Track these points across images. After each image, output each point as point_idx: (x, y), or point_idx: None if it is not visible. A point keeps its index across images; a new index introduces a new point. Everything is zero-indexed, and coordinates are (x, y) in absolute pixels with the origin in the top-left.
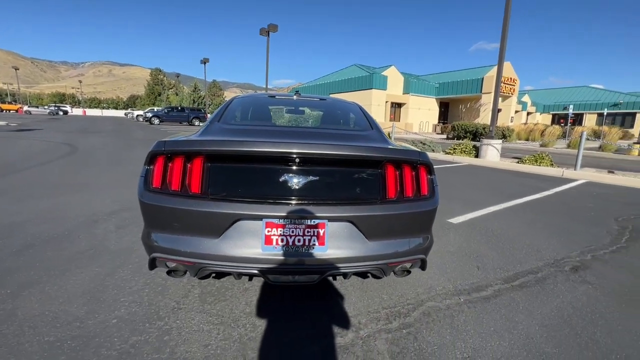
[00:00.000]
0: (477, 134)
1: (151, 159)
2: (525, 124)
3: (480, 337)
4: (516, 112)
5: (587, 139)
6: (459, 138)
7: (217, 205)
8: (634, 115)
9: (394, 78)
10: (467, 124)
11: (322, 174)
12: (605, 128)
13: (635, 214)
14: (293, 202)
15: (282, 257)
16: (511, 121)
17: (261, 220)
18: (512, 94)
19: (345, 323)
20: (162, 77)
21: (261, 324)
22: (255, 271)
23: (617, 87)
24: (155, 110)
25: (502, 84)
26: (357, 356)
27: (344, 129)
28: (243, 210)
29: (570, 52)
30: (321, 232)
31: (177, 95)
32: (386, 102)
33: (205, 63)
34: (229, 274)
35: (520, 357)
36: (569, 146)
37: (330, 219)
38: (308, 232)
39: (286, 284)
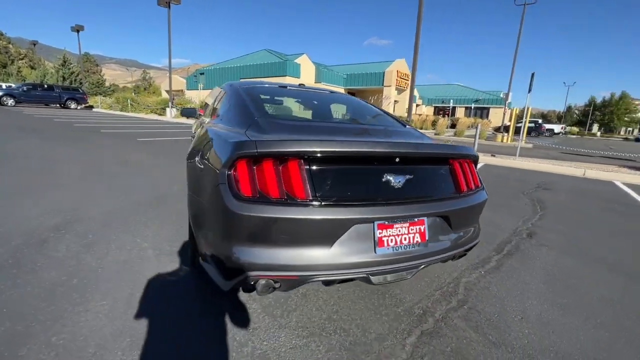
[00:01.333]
0: None
1: (236, 161)
2: (420, 115)
3: (517, 298)
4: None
5: (468, 128)
6: None
7: (333, 211)
8: (488, 109)
9: (306, 66)
10: None
11: (414, 173)
12: (475, 119)
13: (531, 188)
14: (397, 201)
15: (393, 257)
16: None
17: (372, 222)
18: (406, 87)
19: (415, 311)
20: (4, 42)
21: (347, 327)
22: (364, 275)
23: (476, 86)
24: (7, 87)
25: (398, 79)
26: (450, 337)
27: (391, 125)
28: (358, 214)
29: (443, 53)
30: (422, 228)
31: (33, 68)
32: None
33: (78, 31)
34: (332, 282)
35: (552, 309)
36: (455, 134)
37: (428, 215)
38: (412, 229)
39: (382, 284)
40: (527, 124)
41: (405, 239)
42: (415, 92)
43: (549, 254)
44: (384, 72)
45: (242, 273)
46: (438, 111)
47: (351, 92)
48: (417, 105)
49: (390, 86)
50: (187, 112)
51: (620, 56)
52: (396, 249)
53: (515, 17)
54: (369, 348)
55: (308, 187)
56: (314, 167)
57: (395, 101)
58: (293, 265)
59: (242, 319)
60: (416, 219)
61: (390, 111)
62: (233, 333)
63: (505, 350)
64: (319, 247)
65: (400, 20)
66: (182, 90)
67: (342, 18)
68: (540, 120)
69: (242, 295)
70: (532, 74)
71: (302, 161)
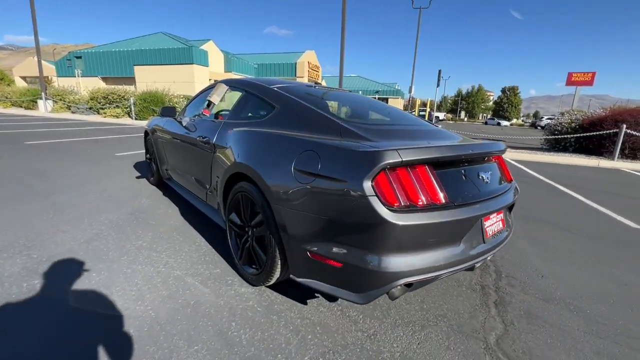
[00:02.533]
0: None
1: (379, 171)
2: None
3: (524, 259)
4: None
5: None
6: None
7: (464, 211)
8: (387, 100)
9: (214, 54)
10: None
11: (490, 169)
12: None
13: None
14: (492, 195)
15: (491, 245)
16: None
17: (481, 216)
18: (317, 78)
19: (475, 287)
20: None
21: (443, 313)
22: (471, 265)
23: (374, 78)
24: None
25: (309, 70)
26: (514, 303)
27: (430, 125)
28: (478, 211)
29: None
30: (503, 217)
31: None
32: (210, 79)
33: None
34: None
35: (543, 262)
36: None
37: (504, 207)
38: (498, 218)
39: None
40: (421, 112)
41: (496, 227)
42: (323, 83)
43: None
44: (295, 63)
45: (389, 282)
46: None
47: None
48: None
49: (302, 77)
50: (167, 112)
51: (480, 53)
52: (494, 238)
53: (413, 18)
54: (474, 326)
55: (444, 191)
56: (439, 172)
57: None
58: (435, 266)
59: (357, 330)
60: (501, 210)
61: None
62: (362, 344)
63: (551, 303)
64: (452, 246)
65: (300, 11)
66: (49, 77)
67: (237, 3)
68: (428, 109)
69: (329, 309)
70: (439, 71)
71: (432, 167)
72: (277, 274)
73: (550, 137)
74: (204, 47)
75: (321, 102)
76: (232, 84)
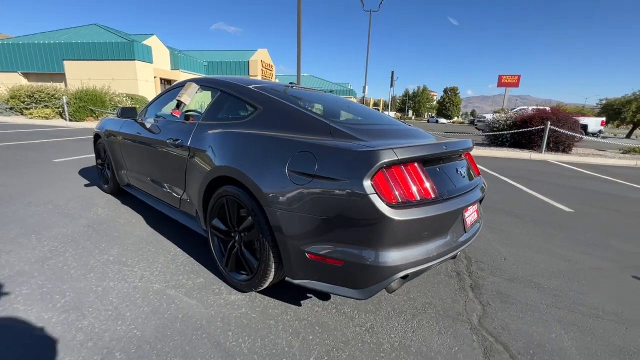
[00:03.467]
0: None
1: (377, 169)
2: None
3: (493, 247)
4: None
5: None
6: None
7: (452, 204)
8: None
9: (159, 50)
10: None
11: (464, 165)
12: None
13: None
14: (468, 189)
15: (470, 235)
16: None
17: (463, 209)
18: (271, 77)
19: (452, 274)
20: None
21: (429, 300)
22: (455, 254)
23: (328, 78)
24: None
25: (263, 69)
26: (487, 285)
27: (402, 124)
28: (462, 203)
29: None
30: (477, 208)
31: None
32: (155, 77)
33: None
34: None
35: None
36: None
37: (478, 199)
38: (473, 210)
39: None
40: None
41: (473, 218)
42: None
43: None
44: (248, 61)
45: (389, 276)
46: None
47: None
48: None
49: (256, 76)
50: (128, 113)
51: (424, 55)
52: (471, 228)
53: (361, 20)
54: (457, 310)
55: (433, 186)
56: (429, 168)
57: None
58: (429, 257)
59: (355, 326)
60: (475, 201)
61: None
62: (362, 338)
63: (516, 282)
64: (441, 237)
65: (249, 9)
66: None
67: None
68: (380, 109)
69: (324, 308)
70: (392, 72)
71: (422, 164)
72: (270, 277)
73: (489, 133)
74: (147, 42)
75: (303, 102)
76: (204, 83)
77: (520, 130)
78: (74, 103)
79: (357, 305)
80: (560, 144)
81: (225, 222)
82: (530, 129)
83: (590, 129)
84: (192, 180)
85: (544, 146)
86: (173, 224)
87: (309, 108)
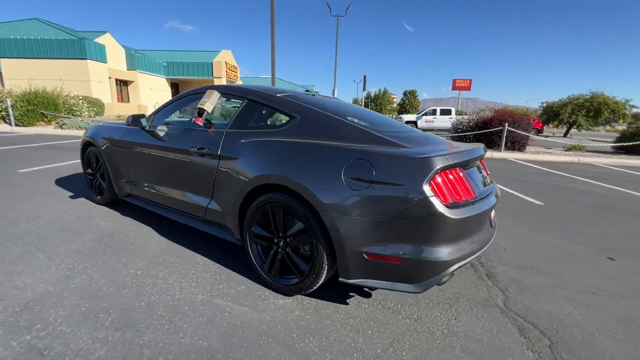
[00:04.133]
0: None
1: (434, 174)
2: None
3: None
4: None
5: None
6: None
7: (485, 204)
8: None
9: (113, 49)
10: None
11: (481, 169)
12: None
13: None
14: (490, 190)
15: (494, 229)
16: None
17: (491, 207)
18: (236, 79)
19: (468, 265)
20: None
21: (457, 290)
22: (486, 248)
23: (293, 80)
24: None
25: (227, 71)
26: (500, 275)
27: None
28: (491, 203)
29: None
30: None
31: None
32: (110, 78)
33: None
34: None
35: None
36: None
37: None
38: (492, 209)
39: None
40: None
41: (493, 214)
42: (240, 83)
43: None
44: (212, 63)
45: (443, 270)
46: None
47: (175, 82)
48: None
49: (221, 77)
50: (137, 121)
51: (386, 59)
52: (493, 222)
53: (321, 23)
54: (484, 297)
55: (473, 187)
56: (465, 172)
57: None
58: (473, 250)
59: (404, 318)
60: (496, 201)
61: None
62: (415, 329)
63: (522, 269)
64: (480, 232)
65: (206, 7)
66: None
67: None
68: None
69: (370, 305)
70: (364, 77)
71: (462, 169)
72: (322, 280)
73: (454, 134)
74: (100, 40)
75: (337, 111)
76: (227, 92)
77: (482, 131)
78: (22, 106)
79: (398, 300)
80: (516, 143)
81: (267, 229)
82: (491, 130)
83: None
84: (224, 188)
85: (503, 145)
86: (187, 233)
87: (346, 117)
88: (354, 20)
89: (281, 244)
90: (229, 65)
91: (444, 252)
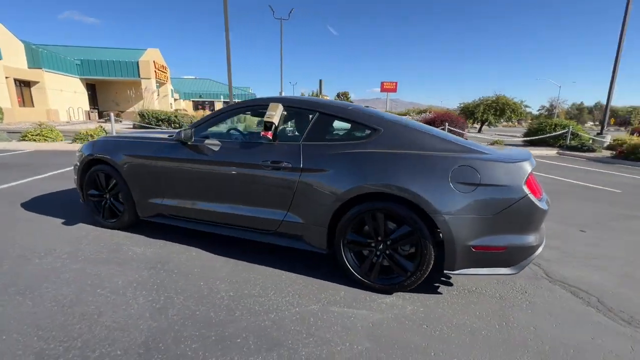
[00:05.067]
0: (170, 122)
1: (529, 175)
2: (184, 110)
3: None
4: (164, 96)
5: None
6: (148, 127)
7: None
8: None
9: (8, 43)
10: (159, 112)
11: None
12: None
13: None
14: None
15: None
16: (172, 107)
17: None
18: (166, 80)
19: None
20: None
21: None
22: None
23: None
24: None
25: (156, 71)
26: None
27: None
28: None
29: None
30: None
31: None
32: (7, 77)
33: None
34: None
35: None
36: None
37: None
38: None
39: None
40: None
41: None
42: (170, 85)
43: None
44: (138, 62)
45: (533, 253)
46: (197, 106)
47: (91, 83)
48: (175, 100)
49: (149, 78)
50: (186, 136)
51: (318, 61)
52: None
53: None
54: (534, 271)
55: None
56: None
57: (157, 94)
58: (542, 239)
59: (518, 292)
60: None
61: (155, 106)
62: (519, 302)
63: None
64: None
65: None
66: None
67: None
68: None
69: (471, 292)
70: (320, 81)
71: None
72: (426, 275)
73: None
74: None
75: (409, 123)
76: (294, 105)
77: None
78: None
79: (475, 284)
80: None
81: (365, 235)
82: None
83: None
84: (309, 200)
85: None
86: (242, 248)
87: (423, 128)
88: (285, 23)
89: (380, 247)
90: (157, 65)
91: (532, 238)
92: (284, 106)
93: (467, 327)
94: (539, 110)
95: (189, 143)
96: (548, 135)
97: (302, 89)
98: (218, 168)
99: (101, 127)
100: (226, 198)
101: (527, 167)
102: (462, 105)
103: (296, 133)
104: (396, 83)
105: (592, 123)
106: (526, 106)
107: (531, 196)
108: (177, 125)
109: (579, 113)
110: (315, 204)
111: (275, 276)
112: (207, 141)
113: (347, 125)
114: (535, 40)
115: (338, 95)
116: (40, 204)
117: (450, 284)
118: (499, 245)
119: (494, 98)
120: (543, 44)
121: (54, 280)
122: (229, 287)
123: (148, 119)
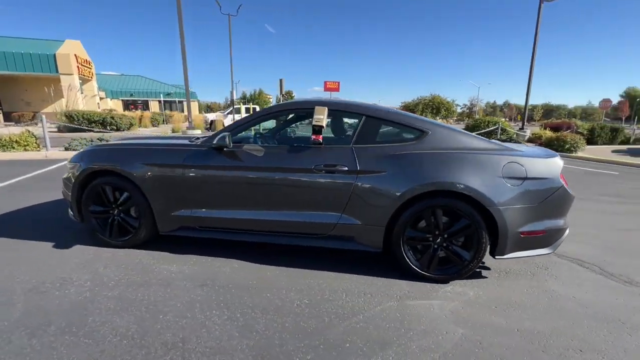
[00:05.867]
0: (105, 124)
1: (561, 169)
2: (112, 110)
3: None
4: (93, 96)
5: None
6: (78, 130)
7: None
8: (182, 102)
9: None
10: (91, 112)
11: None
12: (172, 113)
13: None
14: None
15: None
16: (99, 107)
17: None
18: (91, 77)
19: None
20: None
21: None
22: None
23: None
24: None
25: (79, 66)
26: None
27: None
28: None
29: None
30: None
31: None
32: None
33: None
34: None
35: None
36: (173, 130)
37: None
38: None
39: None
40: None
41: None
42: (94, 83)
43: None
44: (55, 55)
45: (564, 234)
46: (128, 105)
47: None
48: (102, 99)
49: (71, 74)
50: (222, 140)
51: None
52: None
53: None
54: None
55: None
56: None
57: (83, 93)
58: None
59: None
60: None
61: (80, 106)
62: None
63: None
64: None
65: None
66: None
67: None
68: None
69: (516, 276)
70: (280, 80)
71: None
72: (480, 262)
73: None
74: None
75: (448, 125)
76: (341, 109)
77: None
78: None
79: (521, 266)
80: None
81: (421, 230)
82: None
83: None
84: (366, 202)
85: None
86: (275, 255)
87: (461, 130)
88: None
89: (438, 240)
90: (80, 60)
91: (563, 221)
92: (330, 110)
93: (526, 303)
94: (462, 108)
95: (226, 149)
96: (483, 131)
97: (245, 88)
98: (263, 174)
99: (28, 131)
100: (272, 204)
101: (560, 162)
102: (403, 104)
103: (342, 136)
104: (339, 82)
105: (504, 119)
106: (457, 105)
107: (565, 186)
108: (114, 128)
109: (493, 111)
110: (374, 205)
111: (338, 280)
112: (246, 146)
113: (388, 128)
114: (459, 42)
115: (282, 95)
116: (8, 228)
117: (488, 268)
118: (540, 230)
119: (431, 98)
120: (465, 45)
121: (97, 312)
122: (299, 296)
123: (78, 121)
